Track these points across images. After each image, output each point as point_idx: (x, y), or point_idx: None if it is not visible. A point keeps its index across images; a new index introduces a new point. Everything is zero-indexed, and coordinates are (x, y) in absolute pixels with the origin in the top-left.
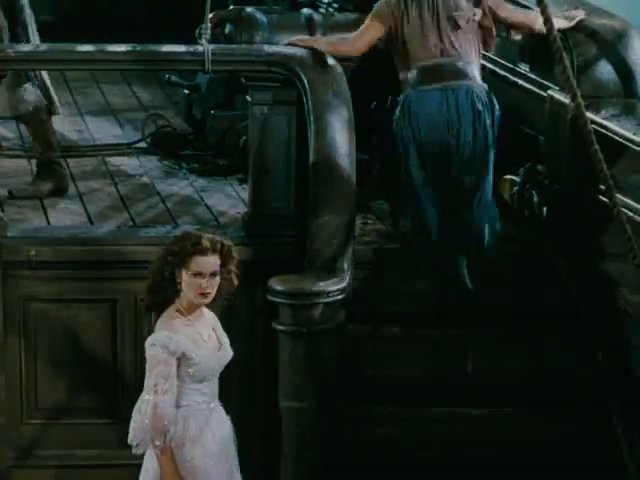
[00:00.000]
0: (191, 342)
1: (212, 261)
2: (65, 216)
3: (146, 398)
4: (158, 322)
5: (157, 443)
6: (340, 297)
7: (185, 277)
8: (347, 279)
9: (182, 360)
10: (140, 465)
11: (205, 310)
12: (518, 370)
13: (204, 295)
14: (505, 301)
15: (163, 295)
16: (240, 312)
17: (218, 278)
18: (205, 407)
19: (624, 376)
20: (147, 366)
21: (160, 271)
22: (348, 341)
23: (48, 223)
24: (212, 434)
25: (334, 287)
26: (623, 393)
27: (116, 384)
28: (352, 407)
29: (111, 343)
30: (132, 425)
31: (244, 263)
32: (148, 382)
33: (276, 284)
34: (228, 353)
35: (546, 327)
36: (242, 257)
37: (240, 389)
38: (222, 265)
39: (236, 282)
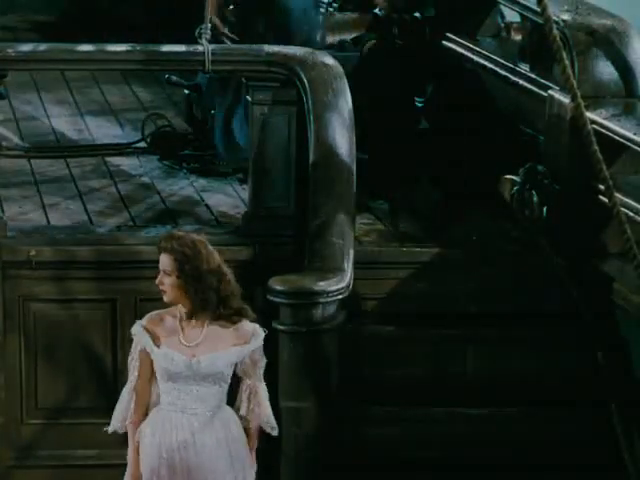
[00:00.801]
0: (157, 337)
1: (165, 260)
2: (65, 216)
3: None
4: None
5: (119, 420)
6: (340, 297)
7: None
8: (347, 279)
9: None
10: None
11: (225, 323)
12: (518, 370)
13: (160, 292)
14: (505, 301)
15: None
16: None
17: (172, 280)
18: (172, 409)
19: (624, 376)
20: None
21: None
22: (348, 341)
23: (48, 223)
24: (161, 441)
25: (334, 287)
26: (623, 393)
27: (116, 384)
28: (352, 407)
29: (111, 343)
30: None
31: (244, 263)
32: None
33: (276, 284)
34: (203, 366)
35: (546, 327)
36: (242, 257)
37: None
38: (179, 267)
39: (213, 284)
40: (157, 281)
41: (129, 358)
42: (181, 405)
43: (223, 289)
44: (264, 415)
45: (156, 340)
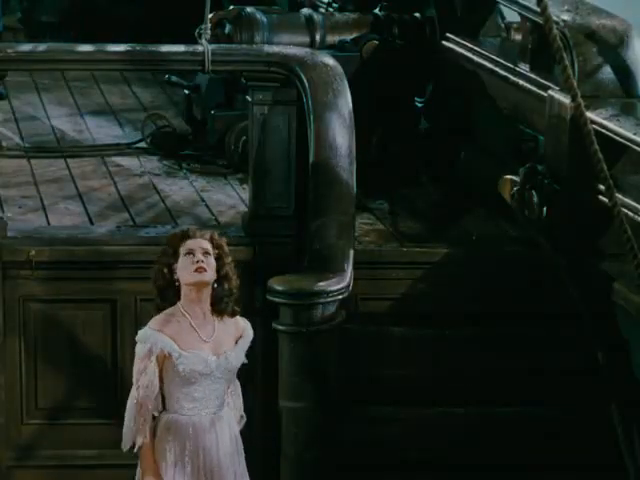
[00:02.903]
0: (177, 340)
1: (203, 242)
2: (65, 216)
3: (131, 394)
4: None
5: (138, 438)
6: (340, 297)
7: (179, 265)
8: (347, 279)
9: (167, 359)
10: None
11: (227, 318)
12: (518, 370)
13: (199, 270)
14: (505, 301)
15: (169, 301)
16: (240, 312)
17: (212, 260)
18: (193, 414)
19: (624, 376)
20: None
21: (160, 274)
22: (348, 341)
23: (48, 223)
24: (184, 447)
25: (334, 287)
26: (623, 393)
27: (116, 384)
28: (352, 407)
29: (111, 343)
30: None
31: (244, 263)
32: (133, 376)
33: (276, 284)
34: (231, 362)
35: (546, 327)
36: (242, 257)
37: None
38: (217, 259)
39: (235, 280)
40: (199, 258)
41: (138, 368)
42: (201, 407)
43: (236, 285)
44: (242, 410)
45: (180, 343)
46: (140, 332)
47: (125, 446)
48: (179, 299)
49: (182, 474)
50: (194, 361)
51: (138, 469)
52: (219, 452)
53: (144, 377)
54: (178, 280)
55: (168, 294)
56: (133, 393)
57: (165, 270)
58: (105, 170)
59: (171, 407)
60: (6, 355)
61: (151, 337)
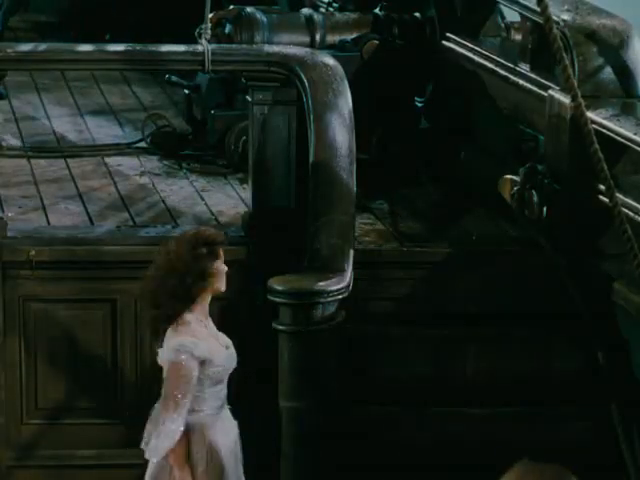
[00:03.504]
0: (211, 344)
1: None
2: (65, 216)
3: (168, 404)
4: (172, 329)
5: (169, 442)
6: (340, 297)
7: (218, 267)
8: (347, 279)
9: (202, 364)
10: (139, 465)
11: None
12: (518, 370)
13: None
14: (505, 301)
15: (187, 305)
16: (240, 312)
17: None
18: (218, 412)
19: (624, 376)
20: (168, 372)
21: (197, 278)
22: (348, 341)
23: (48, 223)
24: (217, 447)
25: (334, 287)
26: (623, 393)
27: (116, 384)
28: (352, 407)
29: (111, 343)
30: (147, 427)
31: (244, 263)
32: (170, 389)
33: (276, 284)
34: (235, 357)
35: (546, 327)
36: (242, 257)
37: (239, 389)
38: None
39: None
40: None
41: (180, 376)
42: (221, 404)
43: None
44: None
45: (209, 347)
46: (184, 343)
47: (157, 456)
48: (192, 301)
49: (213, 474)
50: (224, 362)
51: (150, 471)
52: (237, 445)
53: (186, 386)
54: (208, 278)
55: (191, 298)
56: (171, 403)
57: (206, 273)
58: (105, 170)
59: (197, 408)
60: (6, 355)
61: (190, 346)
